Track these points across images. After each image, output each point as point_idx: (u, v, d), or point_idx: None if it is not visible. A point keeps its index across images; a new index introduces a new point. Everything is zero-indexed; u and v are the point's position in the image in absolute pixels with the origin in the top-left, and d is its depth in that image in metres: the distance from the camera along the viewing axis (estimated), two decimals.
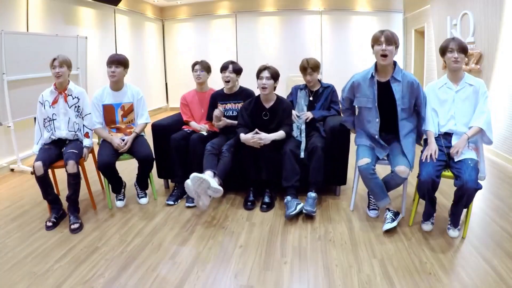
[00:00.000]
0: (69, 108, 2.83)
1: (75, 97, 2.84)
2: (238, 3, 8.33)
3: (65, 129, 2.81)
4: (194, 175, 2.53)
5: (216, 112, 3.02)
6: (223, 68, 3.10)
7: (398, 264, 2.05)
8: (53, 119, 2.80)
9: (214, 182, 2.55)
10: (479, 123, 2.30)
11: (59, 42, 4.64)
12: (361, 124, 2.61)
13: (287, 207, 2.63)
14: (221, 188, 2.56)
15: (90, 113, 2.90)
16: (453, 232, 2.34)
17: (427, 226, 2.43)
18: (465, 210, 2.32)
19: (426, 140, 2.50)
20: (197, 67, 3.27)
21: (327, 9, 8.06)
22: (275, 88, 2.94)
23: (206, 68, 3.26)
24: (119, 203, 2.96)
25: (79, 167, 2.65)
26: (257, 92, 3.19)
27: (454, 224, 2.35)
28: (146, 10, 8.07)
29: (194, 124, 3.23)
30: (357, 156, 2.52)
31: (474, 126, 2.31)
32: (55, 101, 2.80)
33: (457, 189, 2.19)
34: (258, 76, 2.88)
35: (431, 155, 2.30)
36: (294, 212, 2.57)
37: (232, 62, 3.11)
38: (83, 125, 2.89)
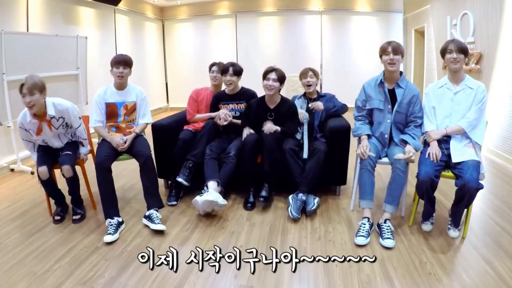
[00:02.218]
0: (56, 129, 2.67)
1: (60, 117, 2.62)
2: (238, 3, 8.33)
3: (59, 143, 2.76)
4: (204, 200, 2.57)
5: (223, 116, 3.05)
6: (224, 71, 3.09)
7: (398, 264, 2.05)
8: (46, 143, 2.73)
9: (221, 199, 2.62)
10: (463, 123, 2.35)
11: (59, 42, 4.64)
12: (373, 126, 2.70)
13: (307, 203, 2.68)
14: (226, 202, 2.66)
15: (79, 126, 2.78)
16: (453, 232, 2.34)
17: (426, 226, 2.43)
18: (465, 210, 2.31)
19: (425, 141, 2.50)
20: (214, 68, 3.30)
21: (327, 9, 8.06)
22: (279, 90, 2.98)
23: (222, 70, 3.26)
24: (108, 238, 2.35)
25: (75, 169, 2.64)
26: (259, 92, 3.22)
27: (455, 224, 2.35)
28: (146, 10, 8.07)
29: (200, 116, 3.25)
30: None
31: (458, 124, 2.36)
32: (39, 130, 2.60)
33: (458, 189, 2.19)
34: (265, 77, 2.91)
35: (435, 154, 2.30)
36: (314, 207, 2.66)
37: (232, 65, 3.09)
38: (78, 136, 2.85)
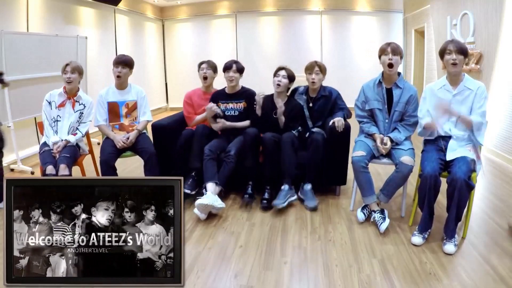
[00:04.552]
0: (74, 112, 2.89)
1: (82, 104, 2.91)
2: (238, 3, 8.33)
3: (67, 130, 2.86)
4: (198, 204, 2.56)
5: (213, 108, 2.99)
6: (227, 68, 3.08)
7: (398, 264, 2.05)
8: (57, 120, 2.86)
9: (218, 202, 2.62)
10: (475, 118, 2.28)
11: (59, 42, 4.63)
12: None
13: (279, 196, 2.69)
14: (223, 205, 2.67)
15: (87, 122, 2.93)
16: (449, 247, 2.11)
17: (417, 239, 2.23)
18: (465, 210, 2.28)
19: (425, 142, 2.50)
20: (203, 66, 3.24)
21: (327, 9, 8.06)
22: (288, 89, 3.05)
23: (212, 67, 3.23)
24: None
25: (71, 170, 2.67)
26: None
27: (448, 234, 2.16)
28: (146, 10, 8.07)
29: (200, 116, 3.20)
30: (353, 150, 2.62)
31: (471, 117, 2.28)
32: (62, 104, 2.85)
33: (448, 184, 2.15)
34: (275, 74, 3.01)
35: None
36: (281, 206, 2.67)
37: (235, 62, 3.10)
38: (77, 127, 2.90)
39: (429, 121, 2.37)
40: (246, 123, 3.10)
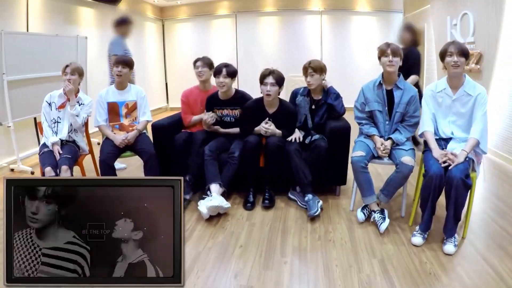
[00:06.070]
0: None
1: (82, 104, 2.91)
2: (238, 3, 8.33)
3: (66, 132, 2.87)
4: (210, 206, 2.56)
5: (207, 118, 2.98)
6: (217, 72, 2.94)
7: (398, 264, 2.05)
8: (57, 122, 2.86)
9: (225, 202, 2.64)
10: (476, 134, 2.24)
11: (59, 42, 4.63)
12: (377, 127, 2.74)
13: (309, 206, 2.63)
14: (229, 205, 2.70)
15: (82, 120, 2.90)
16: (449, 247, 2.12)
17: (417, 239, 2.23)
18: (465, 210, 2.28)
19: (426, 142, 2.49)
20: (198, 63, 3.17)
21: (327, 9, 8.06)
22: (279, 93, 2.90)
23: (208, 64, 3.15)
24: None
25: (72, 171, 2.68)
26: (256, 96, 3.11)
27: (448, 233, 2.16)
28: (146, 10, 8.07)
29: (197, 117, 3.16)
30: (353, 150, 2.62)
31: (471, 138, 2.24)
32: (62, 106, 2.86)
33: (445, 184, 2.14)
34: (262, 81, 2.81)
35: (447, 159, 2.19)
36: (317, 213, 2.60)
37: (225, 65, 2.94)
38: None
39: (432, 141, 2.33)
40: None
